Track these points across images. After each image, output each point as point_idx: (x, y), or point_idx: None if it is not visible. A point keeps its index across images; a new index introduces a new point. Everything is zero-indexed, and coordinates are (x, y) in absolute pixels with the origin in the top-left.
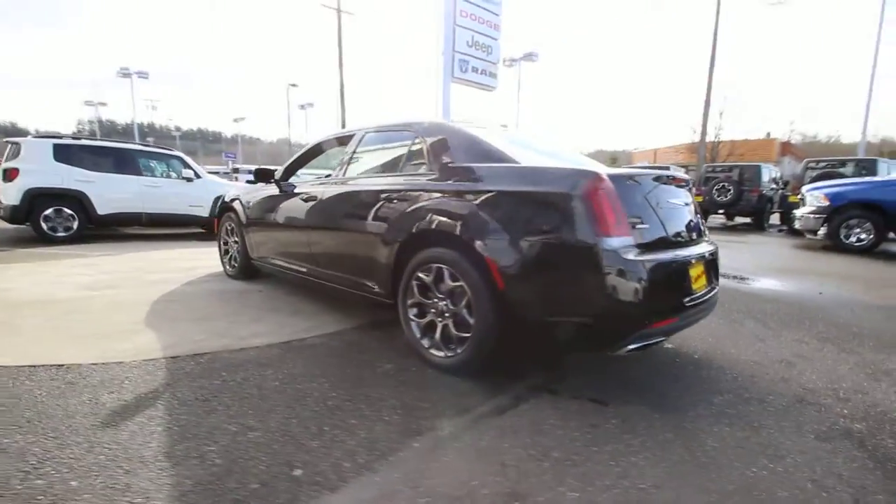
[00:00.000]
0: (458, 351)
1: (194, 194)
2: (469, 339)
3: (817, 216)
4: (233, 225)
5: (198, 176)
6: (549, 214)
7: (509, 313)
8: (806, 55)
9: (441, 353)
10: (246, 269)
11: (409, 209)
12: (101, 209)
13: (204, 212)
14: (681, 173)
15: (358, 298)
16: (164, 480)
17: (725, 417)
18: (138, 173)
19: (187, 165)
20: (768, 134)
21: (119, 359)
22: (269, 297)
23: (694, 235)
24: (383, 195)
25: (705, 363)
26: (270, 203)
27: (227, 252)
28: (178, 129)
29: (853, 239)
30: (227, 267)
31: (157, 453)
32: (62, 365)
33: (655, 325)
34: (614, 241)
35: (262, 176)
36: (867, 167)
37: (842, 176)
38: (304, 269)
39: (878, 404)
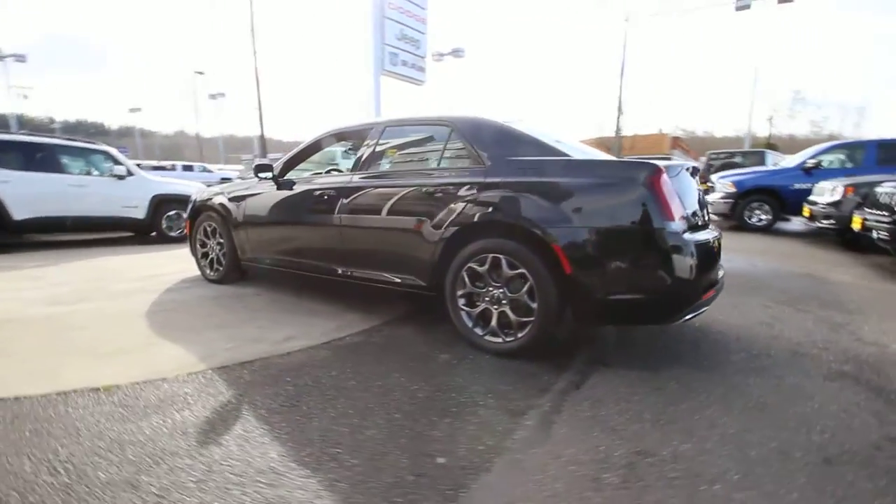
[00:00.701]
0: (519, 335)
1: (127, 194)
2: (531, 323)
3: (726, 201)
4: (214, 225)
5: (130, 173)
6: (617, 203)
7: (572, 296)
8: (691, 61)
9: (498, 339)
10: (232, 272)
11: (458, 202)
12: (18, 213)
13: (140, 213)
14: (694, 164)
15: (395, 293)
16: (315, 486)
17: (752, 371)
18: (60, 171)
19: (117, 161)
20: (660, 130)
21: (160, 375)
22: (273, 300)
23: (706, 219)
24: (426, 189)
25: (706, 330)
26: (270, 200)
27: (205, 255)
28: (51, 120)
29: (755, 220)
30: (208, 271)
31: (286, 463)
32: (98, 388)
33: (704, 297)
34: (675, 225)
35: (263, 170)
36: (757, 158)
37: (738, 166)
38: (320, 267)
39: (849, 349)
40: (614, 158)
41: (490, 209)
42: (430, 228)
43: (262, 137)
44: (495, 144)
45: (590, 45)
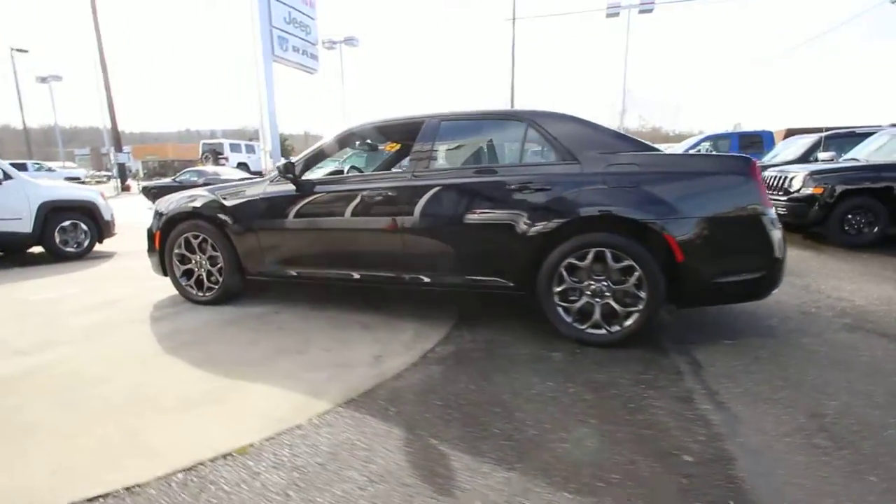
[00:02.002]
0: (626, 324)
1: (5, 203)
2: (639, 312)
3: None
4: (202, 236)
5: (8, 176)
6: (724, 193)
7: (683, 281)
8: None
9: (601, 331)
10: (231, 290)
11: (553, 198)
12: None
13: (24, 225)
14: None
15: (444, 295)
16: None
17: (795, 333)
18: None
19: None
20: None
21: (287, 423)
22: (303, 317)
23: None
24: (510, 187)
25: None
26: (293, 204)
27: (187, 274)
28: None
29: None
30: (195, 291)
31: (559, 493)
32: (229, 454)
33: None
34: (771, 210)
35: (289, 170)
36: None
37: None
38: (375, 276)
39: (835, 306)
40: (707, 152)
41: (593, 204)
42: (520, 227)
43: (114, 129)
44: (582, 139)
45: (481, 38)
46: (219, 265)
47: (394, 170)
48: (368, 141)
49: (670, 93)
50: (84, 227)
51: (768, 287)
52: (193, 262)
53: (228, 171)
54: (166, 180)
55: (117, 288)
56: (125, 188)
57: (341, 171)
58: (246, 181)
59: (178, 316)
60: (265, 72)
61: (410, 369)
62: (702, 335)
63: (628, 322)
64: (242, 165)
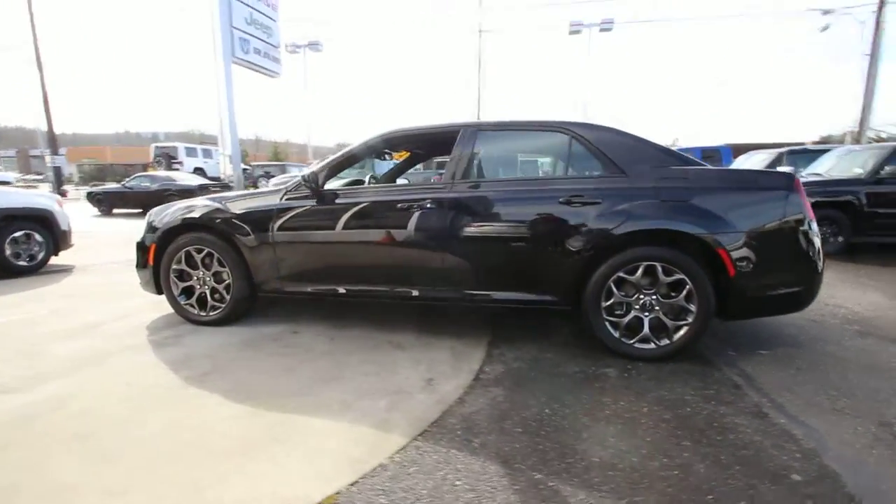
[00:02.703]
0: (675, 338)
1: None
2: (688, 325)
3: None
4: (209, 250)
5: None
6: (773, 207)
7: (733, 295)
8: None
9: (649, 346)
10: (241, 308)
11: (604, 212)
12: None
13: None
14: None
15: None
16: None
17: (818, 342)
18: None
19: None
20: None
21: (368, 462)
22: (329, 337)
23: None
24: (560, 199)
25: None
26: (318, 216)
27: (187, 291)
28: None
29: None
30: (197, 311)
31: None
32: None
33: None
34: (815, 224)
35: (311, 180)
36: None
37: None
38: (405, 293)
39: (836, 313)
40: (754, 168)
41: (645, 218)
42: (569, 240)
43: (50, 130)
44: (629, 152)
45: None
46: (226, 282)
47: (432, 180)
48: (386, 150)
49: (621, 107)
50: (38, 237)
51: (809, 299)
52: (195, 278)
53: (184, 177)
54: (115, 186)
55: (92, 307)
56: (61, 193)
57: (361, 181)
58: (254, 192)
59: (182, 339)
60: (225, 74)
61: (470, 393)
62: (736, 345)
63: (678, 336)
64: (199, 171)
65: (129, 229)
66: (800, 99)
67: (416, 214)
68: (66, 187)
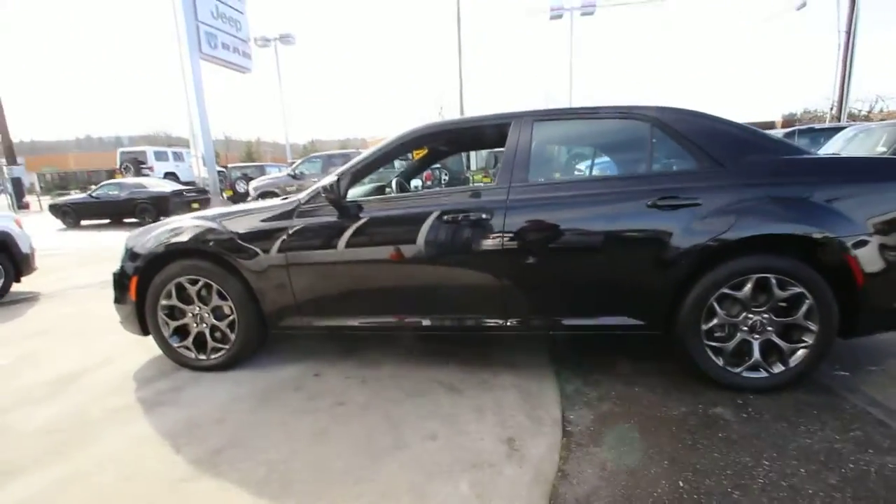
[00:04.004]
0: (791, 363)
1: None
2: (808, 348)
3: None
4: (206, 280)
5: None
6: None
7: (863, 307)
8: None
9: (760, 374)
10: (249, 349)
11: (704, 214)
12: None
13: None
14: None
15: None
16: None
17: None
18: None
19: None
20: None
21: None
22: (359, 381)
23: None
24: (647, 202)
25: None
26: (338, 231)
27: (181, 332)
28: None
29: None
30: (195, 355)
31: None
32: None
33: None
34: None
35: (331, 190)
36: None
37: None
38: (456, 323)
39: None
40: (872, 156)
41: (756, 220)
42: (661, 251)
43: (6, 139)
44: (728, 141)
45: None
46: (229, 318)
47: (490, 183)
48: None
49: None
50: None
51: None
52: (190, 315)
53: (155, 183)
54: (80, 196)
55: (66, 349)
56: (23, 206)
57: (383, 187)
58: (255, 206)
59: (181, 395)
60: (193, 71)
61: (569, 460)
62: (837, 361)
63: (795, 361)
64: (171, 175)
65: (100, 243)
66: (759, 77)
67: (465, 228)
68: (28, 198)
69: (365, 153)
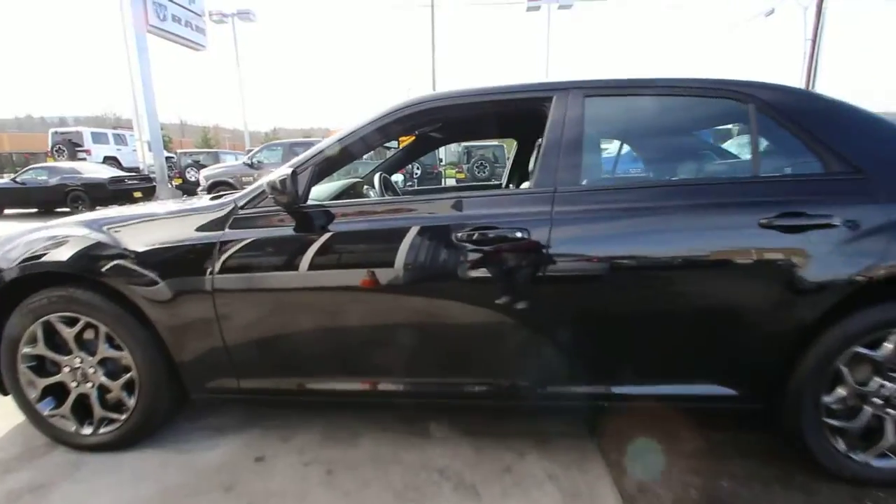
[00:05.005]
0: None
1: None
2: None
3: None
4: (88, 319)
5: None
6: None
7: None
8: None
9: (893, 463)
10: (156, 419)
11: (836, 240)
12: None
13: None
14: None
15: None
16: None
17: None
18: None
19: None
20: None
21: None
22: (321, 469)
23: None
24: (761, 219)
25: None
26: (293, 249)
27: (50, 393)
28: None
29: None
30: (73, 426)
31: None
32: None
33: None
34: None
35: (281, 189)
36: None
37: None
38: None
39: None
40: None
41: None
42: (770, 292)
43: None
44: (862, 134)
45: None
46: (126, 375)
47: (525, 186)
48: (428, 130)
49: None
50: None
51: None
52: (67, 369)
53: (91, 168)
54: (3, 181)
55: None
56: None
57: (357, 186)
58: (163, 209)
59: (50, 496)
60: (137, 45)
61: None
62: None
63: None
64: (111, 160)
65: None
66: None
67: (485, 251)
68: None
69: (333, 137)
